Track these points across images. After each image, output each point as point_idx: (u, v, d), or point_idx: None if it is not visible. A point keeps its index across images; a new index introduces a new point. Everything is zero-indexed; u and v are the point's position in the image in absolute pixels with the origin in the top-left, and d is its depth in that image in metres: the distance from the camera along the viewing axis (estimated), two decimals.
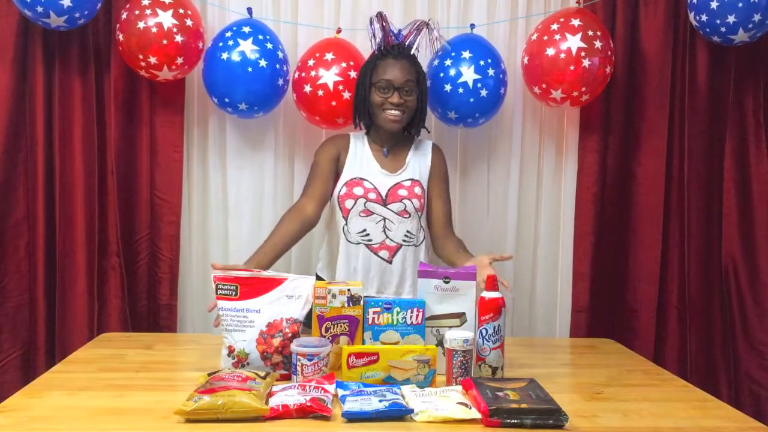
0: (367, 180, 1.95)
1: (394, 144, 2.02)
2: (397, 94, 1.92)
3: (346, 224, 1.94)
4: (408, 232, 1.95)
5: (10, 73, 2.13)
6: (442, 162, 2.07)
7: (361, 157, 2.00)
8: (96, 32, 2.19)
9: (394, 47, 1.96)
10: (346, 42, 2.22)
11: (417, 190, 1.96)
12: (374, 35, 1.98)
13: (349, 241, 1.95)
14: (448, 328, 1.54)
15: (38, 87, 2.16)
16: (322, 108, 2.13)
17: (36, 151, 2.18)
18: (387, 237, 1.94)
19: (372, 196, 1.93)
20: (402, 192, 1.95)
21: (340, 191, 1.95)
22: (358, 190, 1.94)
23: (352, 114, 2.02)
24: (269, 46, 2.11)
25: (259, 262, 1.79)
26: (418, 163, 2.01)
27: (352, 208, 1.93)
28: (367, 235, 1.94)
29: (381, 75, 1.93)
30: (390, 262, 1.95)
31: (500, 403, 1.26)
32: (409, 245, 1.96)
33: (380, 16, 1.97)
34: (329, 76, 2.09)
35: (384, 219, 1.93)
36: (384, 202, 1.94)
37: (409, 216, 1.95)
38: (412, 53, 1.98)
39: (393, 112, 1.92)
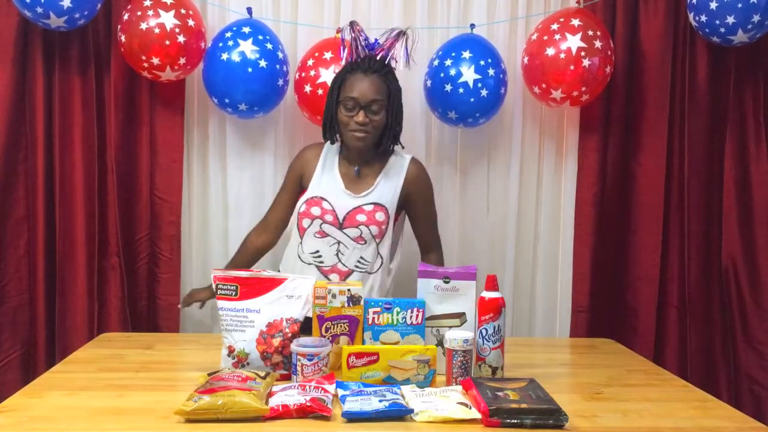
0: (326, 200, 1.85)
1: (365, 162, 1.90)
2: (363, 113, 1.78)
3: (301, 243, 1.89)
4: (362, 258, 1.86)
5: (10, 73, 2.13)
6: (420, 180, 1.93)
7: (328, 174, 1.90)
8: (96, 33, 2.19)
9: (364, 60, 1.82)
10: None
11: (379, 216, 1.84)
12: (343, 46, 1.87)
13: (303, 261, 1.89)
14: (448, 328, 1.55)
15: (38, 87, 2.16)
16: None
17: (36, 151, 2.18)
18: (339, 261, 1.86)
19: (329, 218, 1.85)
20: (360, 217, 1.84)
21: (300, 208, 1.89)
22: (315, 210, 1.86)
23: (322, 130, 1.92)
24: (269, 46, 2.11)
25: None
26: (387, 185, 1.89)
27: (308, 227, 1.86)
28: (320, 256, 1.87)
29: (347, 92, 1.80)
30: None
31: (500, 403, 1.26)
32: (361, 272, 1.87)
33: (353, 26, 1.84)
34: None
35: (338, 242, 1.85)
36: (340, 226, 1.85)
37: (365, 243, 1.85)
38: (386, 65, 1.84)
39: (357, 132, 1.81)
